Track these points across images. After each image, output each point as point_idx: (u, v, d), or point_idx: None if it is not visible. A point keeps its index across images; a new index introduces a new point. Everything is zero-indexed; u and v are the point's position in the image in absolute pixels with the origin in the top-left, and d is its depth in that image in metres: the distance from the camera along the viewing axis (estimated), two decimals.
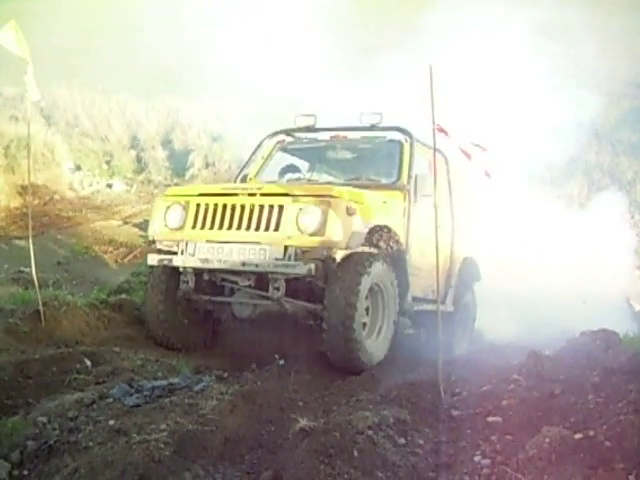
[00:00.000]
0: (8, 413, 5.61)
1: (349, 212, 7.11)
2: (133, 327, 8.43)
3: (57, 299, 8.03)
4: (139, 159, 22.32)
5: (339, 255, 7.21)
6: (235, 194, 7.56)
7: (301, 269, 6.99)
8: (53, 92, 22.45)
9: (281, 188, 7.69)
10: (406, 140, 8.75)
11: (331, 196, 7.17)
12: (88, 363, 6.75)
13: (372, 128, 8.88)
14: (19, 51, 7.56)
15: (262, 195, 7.41)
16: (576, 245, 11.87)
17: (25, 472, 4.89)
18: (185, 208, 7.66)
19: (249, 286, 7.50)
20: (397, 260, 7.85)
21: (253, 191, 7.53)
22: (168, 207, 7.79)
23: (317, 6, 15.27)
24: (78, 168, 21.11)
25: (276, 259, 7.13)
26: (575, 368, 5.84)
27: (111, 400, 5.73)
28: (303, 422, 4.96)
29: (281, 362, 7.23)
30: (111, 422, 5.26)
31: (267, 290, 7.28)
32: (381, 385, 6.33)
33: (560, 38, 20.72)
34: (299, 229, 7.08)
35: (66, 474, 4.62)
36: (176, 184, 20.95)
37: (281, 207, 7.20)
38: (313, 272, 6.98)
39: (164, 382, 6.22)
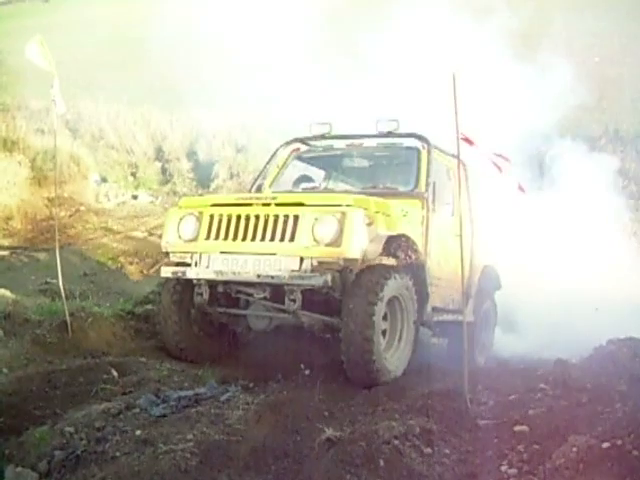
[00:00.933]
0: (36, 423, 5.66)
1: (366, 221, 6.96)
2: (159, 338, 8.46)
3: (84, 310, 8.10)
4: (164, 171, 22.42)
5: (356, 266, 6.99)
6: (249, 204, 7.41)
7: (317, 280, 6.78)
8: (78, 105, 22.61)
9: (296, 197, 7.47)
10: (423, 147, 8.60)
11: (347, 205, 7.01)
12: (115, 373, 6.79)
13: (389, 135, 8.75)
14: (45, 64, 7.65)
15: (277, 205, 7.25)
16: (598, 251, 11.78)
17: None
18: (199, 219, 7.51)
19: (264, 298, 7.30)
20: (416, 270, 7.64)
21: (267, 201, 7.37)
22: (181, 218, 7.65)
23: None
24: (104, 180, 21.22)
25: (292, 270, 6.92)
26: (602, 376, 5.81)
27: (138, 410, 5.77)
28: (329, 432, 4.97)
29: (307, 372, 7.24)
30: (138, 432, 5.30)
31: (283, 302, 7.10)
32: (407, 395, 6.31)
33: (584, 44, 20.69)
34: (315, 239, 6.90)
35: None
36: (200, 195, 21.04)
37: (296, 217, 7.02)
38: (329, 283, 6.77)
39: (190, 392, 6.24)
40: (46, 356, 7.21)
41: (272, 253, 7.04)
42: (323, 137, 9.26)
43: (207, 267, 7.34)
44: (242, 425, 5.39)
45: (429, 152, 8.48)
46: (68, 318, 7.69)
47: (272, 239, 7.05)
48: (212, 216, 7.43)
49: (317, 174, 9.77)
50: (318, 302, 7.18)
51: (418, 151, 8.60)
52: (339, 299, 7.01)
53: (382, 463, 4.63)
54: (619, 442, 4.51)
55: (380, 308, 6.85)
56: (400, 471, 4.62)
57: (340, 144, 9.38)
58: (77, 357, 7.39)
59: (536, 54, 14.43)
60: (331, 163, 9.67)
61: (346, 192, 8.46)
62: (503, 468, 4.77)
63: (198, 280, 7.45)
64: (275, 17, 14.71)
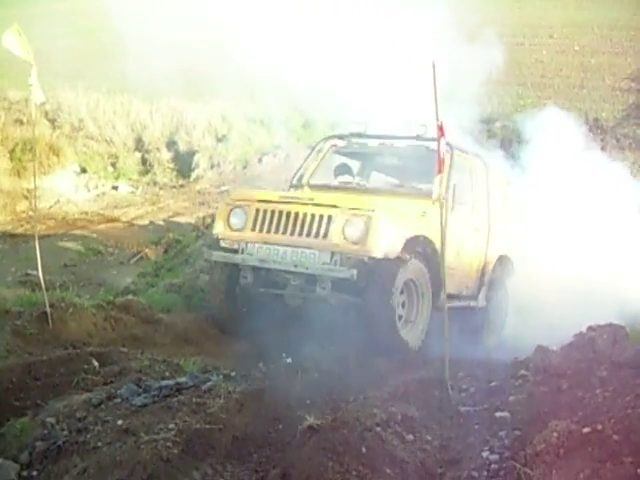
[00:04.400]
0: (17, 414, 5.62)
1: (388, 224, 7.96)
2: (140, 327, 8.44)
3: (64, 301, 8.04)
4: (144, 161, 22.32)
5: (379, 262, 7.92)
6: (290, 202, 8.45)
7: (345, 274, 7.85)
8: (58, 95, 22.44)
9: (331, 199, 8.45)
10: (447, 151, 8.81)
11: (373, 210, 7.99)
12: (96, 364, 6.75)
13: (417, 138, 9.50)
14: (23, 54, 7.56)
15: (314, 205, 8.27)
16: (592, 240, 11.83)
17: (34, 473, 4.91)
18: (246, 212, 8.58)
19: (299, 283, 8.35)
20: (432, 262, 8.47)
21: (306, 201, 8.40)
22: (231, 210, 8.73)
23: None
24: (83, 171, 21.12)
25: (324, 263, 8.03)
26: (582, 363, 5.83)
27: (119, 400, 5.74)
28: (311, 420, 4.96)
29: (288, 360, 7.25)
30: (119, 422, 5.27)
31: (315, 287, 8.16)
32: (389, 382, 6.33)
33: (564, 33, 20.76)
34: (345, 237, 7.98)
35: (75, 474, 4.64)
36: (181, 186, 20.98)
37: (330, 217, 8.09)
38: (355, 277, 7.77)
39: (171, 382, 6.21)
40: (26, 347, 7.16)
41: (307, 246, 8.14)
42: (359, 135, 10.24)
43: (252, 255, 8.44)
44: (224, 414, 5.37)
45: (451, 156, 9.11)
46: (48, 309, 7.64)
47: (308, 235, 8.17)
48: (257, 210, 8.52)
49: (354, 165, 10.64)
50: (345, 285, 8.08)
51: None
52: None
53: (364, 450, 4.63)
54: (599, 427, 4.53)
55: (398, 286, 8.04)
56: (382, 458, 4.63)
57: (373, 142, 10.30)
58: (58, 348, 7.34)
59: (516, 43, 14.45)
60: (365, 159, 10.69)
61: (375, 191, 9.54)
62: (484, 454, 4.80)
63: (244, 265, 8.53)
64: (255, 5, 14.64)
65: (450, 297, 8.72)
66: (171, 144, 22.56)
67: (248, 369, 7.16)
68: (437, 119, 5.98)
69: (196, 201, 19.42)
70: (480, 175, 10.12)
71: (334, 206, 8.19)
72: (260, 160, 20.57)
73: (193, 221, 16.17)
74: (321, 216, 8.15)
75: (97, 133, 22.59)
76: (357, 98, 13.72)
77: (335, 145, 10.51)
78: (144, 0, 14.96)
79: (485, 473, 4.55)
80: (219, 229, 8.80)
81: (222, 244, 8.74)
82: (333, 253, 8.05)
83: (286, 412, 5.66)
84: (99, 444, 4.98)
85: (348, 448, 4.60)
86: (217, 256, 8.73)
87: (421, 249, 8.46)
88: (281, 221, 8.33)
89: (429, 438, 5.13)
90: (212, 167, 21.32)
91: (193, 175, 21.28)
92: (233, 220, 8.68)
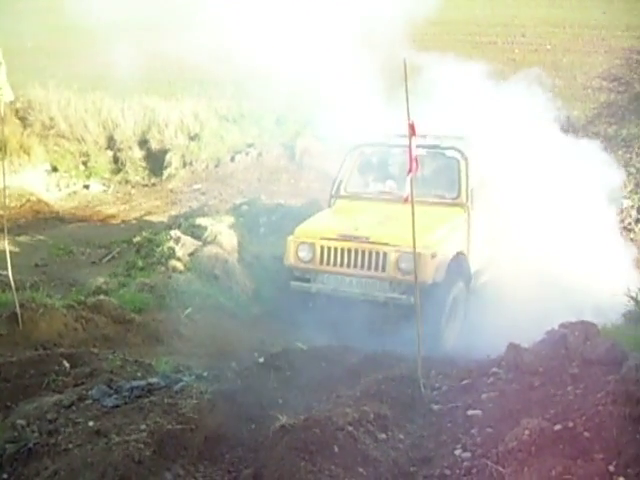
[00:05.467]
0: None
1: (433, 256, 9.34)
2: (111, 328, 8.40)
3: (34, 301, 7.99)
4: (116, 159, 22.13)
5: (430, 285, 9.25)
6: (349, 240, 9.73)
7: (405, 301, 9.23)
8: (28, 93, 22.22)
9: (383, 236, 9.62)
10: (462, 158, 10.54)
11: (421, 246, 8.57)
12: (66, 365, 6.71)
13: (434, 147, 10.70)
14: None
15: (369, 243, 9.62)
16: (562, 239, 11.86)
17: (4, 475, 4.88)
18: (312, 248, 9.94)
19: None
20: (465, 270, 10.23)
21: (362, 240, 9.68)
22: (298, 245, 10.04)
23: None
24: (55, 170, 20.93)
25: (385, 291, 9.57)
26: (554, 360, 5.84)
27: (90, 401, 5.71)
28: (283, 419, 4.95)
29: (261, 360, 7.23)
30: (90, 423, 5.25)
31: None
32: (361, 381, 6.32)
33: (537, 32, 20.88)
34: (399, 270, 9.41)
35: (46, 477, 4.61)
36: (153, 184, 20.86)
37: (385, 253, 9.50)
38: (412, 302, 8.23)
39: (143, 382, 6.18)
40: None
41: (370, 277, 9.64)
42: (382, 144, 11.39)
43: (324, 284, 9.95)
44: (196, 414, 5.35)
45: (467, 163, 10.51)
46: (18, 309, 7.59)
47: (369, 268, 9.63)
48: (322, 247, 9.89)
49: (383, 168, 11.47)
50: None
51: (458, 161, 10.62)
52: None
53: (337, 449, 4.62)
54: (571, 424, 4.55)
55: (447, 308, 9.58)
56: (355, 457, 4.63)
57: (398, 150, 10.84)
58: (28, 349, 7.29)
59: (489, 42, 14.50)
60: (390, 166, 11.40)
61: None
62: (457, 452, 4.80)
63: (318, 291, 9.95)
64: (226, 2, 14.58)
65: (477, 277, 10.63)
66: (143, 142, 22.38)
67: (220, 369, 7.13)
68: (408, 118, 5.96)
69: (168, 200, 19.32)
70: (486, 169, 10.95)
71: (387, 244, 9.48)
72: (233, 158, 20.47)
73: (165, 220, 16.10)
74: (377, 253, 9.56)
75: (68, 131, 22.37)
76: (329, 96, 13.71)
77: (363, 153, 11.54)
78: None
79: (457, 471, 4.55)
80: (291, 261, 10.13)
81: (295, 273, 10.15)
82: (391, 282, 9.54)
83: (258, 412, 5.65)
84: (70, 446, 4.95)
85: (320, 448, 4.59)
86: (295, 286, 10.11)
87: (459, 264, 9.95)
88: (344, 256, 9.75)
89: (401, 437, 5.13)
90: (184, 166, 21.19)
91: (165, 174, 21.14)
92: (301, 254, 10.01)
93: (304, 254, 9.99)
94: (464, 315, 10.25)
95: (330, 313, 9.38)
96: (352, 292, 9.70)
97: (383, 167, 11.43)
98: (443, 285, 9.51)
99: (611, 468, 4.13)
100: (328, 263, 9.84)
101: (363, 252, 9.64)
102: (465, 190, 10.46)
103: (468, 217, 10.39)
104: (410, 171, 6.27)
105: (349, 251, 9.71)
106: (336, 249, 9.78)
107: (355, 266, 9.69)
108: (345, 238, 9.79)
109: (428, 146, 10.56)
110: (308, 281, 10.05)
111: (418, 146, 9.94)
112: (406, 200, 6.50)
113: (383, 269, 9.54)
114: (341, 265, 9.77)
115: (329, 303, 9.71)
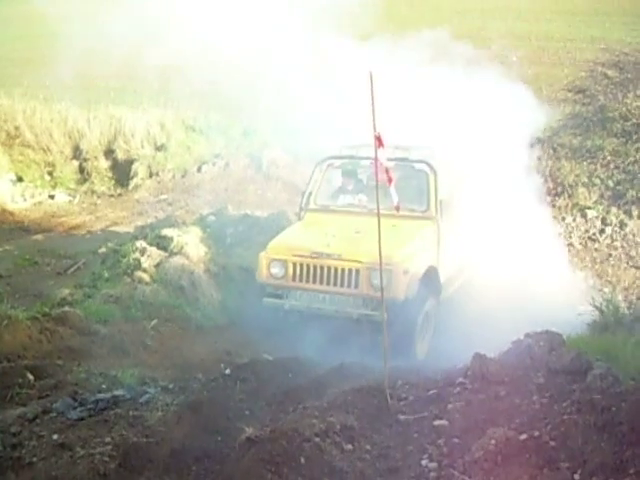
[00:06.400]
0: None
1: (406, 272, 9.36)
2: (77, 339, 8.32)
3: None
4: (82, 169, 21.99)
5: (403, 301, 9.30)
6: (321, 258, 9.64)
7: (378, 318, 8.53)
8: None
9: (355, 254, 9.51)
10: (431, 171, 10.53)
11: (392, 263, 9.04)
12: (31, 377, 6.64)
13: (403, 160, 10.63)
14: None
15: (341, 260, 9.55)
16: (519, 249, 11.95)
17: None
18: (284, 264, 9.84)
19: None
20: (436, 284, 10.24)
21: (334, 257, 9.60)
22: (270, 261, 9.95)
23: None
24: (20, 179, 20.79)
25: (358, 307, 9.49)
26: (519, 370, 5.88)
27: (55, 414, 5.66)
28: (250, 431, 4.93)
29: (227, 371, 7.20)
30: (55, 436, 5.21)
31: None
32: (327, 392, 6.31)
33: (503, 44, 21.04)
34: (372, 286, 9.29)
35: None
36: (119, 195, 20.75)
37: (357, 270, 9.44)
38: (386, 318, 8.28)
39: (108, 395, 6.14)
40: None
41: (342, 293, 9.57)
42: (351, 157, 11.27)
43: (297, 300, 9.84)
44: (162, 427, 5.32)
45: (435, 175, 10.49)
46: None
47: (342, 285, 9.57)
48: (294, 264, 9.78)
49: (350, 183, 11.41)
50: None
51: (427, 174, 10.61)
52: None
53: (303, 461, 4.62)
54: (536, 433, 4.59)
55: (419, 322, 9.61)
56: (321, 468, 4.62)
57: (365, 162, 10.78)
58: None
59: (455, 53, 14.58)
60: (358, 179, 11.37)
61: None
62: (424, 462, 4.81)
63: (290, 310, 9.84)
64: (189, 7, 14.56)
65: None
66: (109, 152, 22.25)
67: (187, 381, 7.09)
68: (374, 129, 5.98)
69: (135, 210, 19.21)
70: (455, 181, 11.10)
71: (359, 261, 9.41)
72: (199, 169, 20.40)
73: (131, 230, 16.00)
74: (349, 270, 9.49)
75: (34, 141, 22.21)
76: (297, 106, 13.72)
77: (331, 165, 11.53)
78: (81, 5, 14.75)
79: None
80: (263, 278, 10.05)
81: (267, 289, 10.03)
82: (364, 299, 9.45)
83: (225, 424, 5.63)
84: (34, 459, 4.91)
85: (287, 459, 4.58)
86: (268, 302, 9.98)
87: (431, 279, 9.95)
88: (317, 273, 9.67)
89: (368, 447, 5.13)
90: (151, 176, 21.09)
91: (131, 184, 21.03)
92: (274, 270, 9.93)
93: (276, 270, 9.93)
94: (434, 328, 10.24)
95: (301, 327, 9.37)
96: (325, 309, 9.62)
97: (352, 179, 11.34)
98: (415, 301, 9.48)
99: (576, 477, 4.17)
100: (301, 280, 9.78)
101: (335, 269, 9.58)
102: (434, 203, 10.44)
103: (438, 230, 10.36)
104: (386, 182, 6.38)
105: (321, 268, 9.66)
106: (308, 266, 9.72)
107: (328, 283, 9.63)
108: (317, 256, 9.72)
109: (396, 159, 10.38)
110: (281, 297, 9.97)
111: (387, 159, 10.25)
112: (397, 208, 6.76)
113: (356, 286, 9.49)
114: (314, 282, 9.70)
115: (300, 317, 9.70)
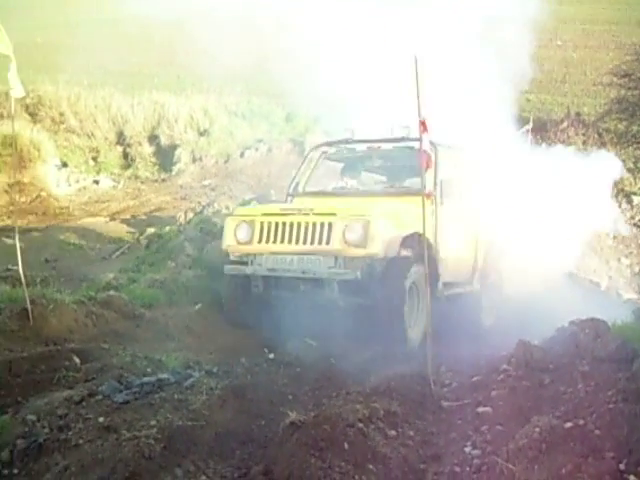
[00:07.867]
0: None
1: (385, 227, 8.57)
2: (122, 323, 8.39)
3: (45, 297, 7.97)
4: (126, 155, 22.23)
5: (380, 261, 8.56)
6: (292, 214, 9.02)
7: (349, 275, 8.45)
8: (38, 89, 22.32)
9: (329, 208, 9.02)
10: (431, 149, 9.44)
11: (370, 214, 8.55)
12: (77, 360, 6.70)
13: (402, 140, 9.98)
14: (1, 48, 7.48)
15: (314, 214, 8.82)
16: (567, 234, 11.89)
17: (15, 471, 4.87)
18: (251, 226, 9.14)
19: (309, 287, 8.90)
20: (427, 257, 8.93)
21: (306, 211, 8.94)
22: (237, 225, 9.30)
23: None
24: (64, 165, 21.03)
25: (329, 267, 8.63)
26: (564, 357, 5.85)
27: (100, 397, 5.71)
28: (293, 416, 4.94)
29: (271, 356, 7.24)
30: (101, 419, 5.25)
31: (324, 289, 8.73)
32: (371, 378, 6.32)
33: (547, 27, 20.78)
34: (346, 242, 8.55)
35: (56, 472, 4.61)
36: (163, 180, 20.91)
37: (330, 224, 8.65)
38: (359, 277, 8.35)
39: (153, 378, 6.18)
40: (7, 344, 7.10)
41: (312, 253, 8.72)
42: (347, 141, 10.77)
43: (261, 265, 9.08)
44: (206, 410, 5.36)
45: (436, 154, 9.52)
46: (29, 305, 7.57)
47: (312, 242, 8.72)
48: (262, 223, 9.08)
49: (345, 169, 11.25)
50: (352, 286, 8.64)
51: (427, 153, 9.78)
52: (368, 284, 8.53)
53: (347, 446, 4.62)
54: (581, 422, 4.55)
55: (405, 292, 8.52)
56: (365, 453, 4.62)
57: (361, 147, 10.72)
58: (38, 344, 7.28)
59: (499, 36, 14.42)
60: (355, 163, 11.09)
61: (368, 193, 10.32)
62: (467, 449, 4.80)
63: (255, 275, 9.12)
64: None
65: (447, 285, 9.77)
66: (153, 138, 22.47)
67: (230, 365, 7.14)
68: (419, 115, 5.96)
69: (178, 195, 19.37)
70: (464, 166, 10.53)
71: (333, 214, 8.73)
72: (242, 154, 20.52)
73: (175, 215, 16.12)
74: (322, 224, 8.69)
75: (78, 127, 22.47)
76: (339, 93, 13.69)
77: (325, 152, 11.09)
78: None
79: (467, 468, 4.54)
80: (228, 243, 9.38)
81: (232, 257, 9.38)
82: (337, 257, 8.63)
83: (268, 408, 5.66)
84: (80, 441, 4.95)
85: (330, 444, 4.58)
86: (229, 269, 9.31)
87: (417, 246, 8.78)
88: (285, 232, 8.88)
89: (411, 434, 5.12)
90: (194, 161, 21.25)
91: (175, 169, 21.21)
92: (240, 234, 9.23)
93: (243, 234, 9.24)
94: (428, 314, 9.59)
95: (265, 296, 9.20)
96: (292, 269, 8.83)
97: (346, 165, 11.12)
98: (397, 262, 8.72)
99: (622, 466, 4.12)
100: (267, 240, 9.01)
101: (306, 225, 8.79)
102: (432, 181, 9.46)
103: (435, 208, 9.53)
104: (428, 167, 6.36)
105: (291, 225, 8.88)
106: (277, 224, 8.97)
107: (297, 241, 8.81)
108: (287, 211, 9.20)
109: (395, 139, 10.10)
110: (245, 264, 9.26)
111: (385, 141, 10.31)
112: (428, 195, 6.62)
113: (327, 242, 8.64)
114: (282, 241, 8.91)
115: (265, 285, 9.22)
